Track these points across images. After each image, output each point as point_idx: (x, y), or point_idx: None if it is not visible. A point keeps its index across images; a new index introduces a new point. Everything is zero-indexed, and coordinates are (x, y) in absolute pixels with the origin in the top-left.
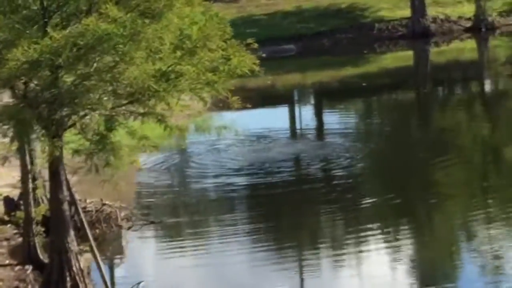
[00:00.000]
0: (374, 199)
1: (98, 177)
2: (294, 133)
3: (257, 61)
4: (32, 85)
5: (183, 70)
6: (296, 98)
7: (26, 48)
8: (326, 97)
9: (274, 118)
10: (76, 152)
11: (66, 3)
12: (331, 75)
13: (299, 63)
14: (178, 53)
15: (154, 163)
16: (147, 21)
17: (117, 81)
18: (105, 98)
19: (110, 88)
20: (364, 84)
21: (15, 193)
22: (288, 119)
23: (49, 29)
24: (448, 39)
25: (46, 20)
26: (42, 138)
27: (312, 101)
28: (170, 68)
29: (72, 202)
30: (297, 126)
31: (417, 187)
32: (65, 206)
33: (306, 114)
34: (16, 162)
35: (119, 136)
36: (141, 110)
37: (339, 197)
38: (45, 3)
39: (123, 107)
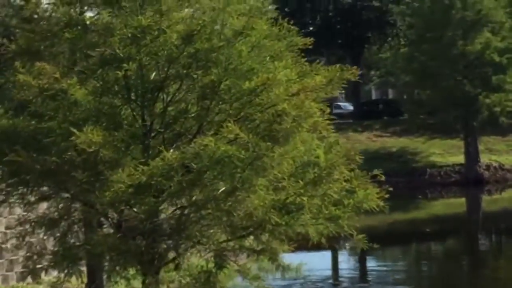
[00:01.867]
0: None
1: None
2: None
3: (385, 195)
4: (127, 212)
5: (304, 202)
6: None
7: (133, 170)
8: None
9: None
10: None
11: (176, 122)
12: (380, 219)
13: None
14: (301, 183)
15: None
16: (270, 144)
17: (235, 211)
18: (218, 231)
19: (225, 219)
20: (427, 230)
21: None
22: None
23: (162, 148)
24: (501, 188)
25: (150, 139)
26: (136, 276)
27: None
28: (291, 199)
29: None
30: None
31: None
32: None
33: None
34: None
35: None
36: (256, 247)
37: None
38: (148, 121)
39: (235, 242)
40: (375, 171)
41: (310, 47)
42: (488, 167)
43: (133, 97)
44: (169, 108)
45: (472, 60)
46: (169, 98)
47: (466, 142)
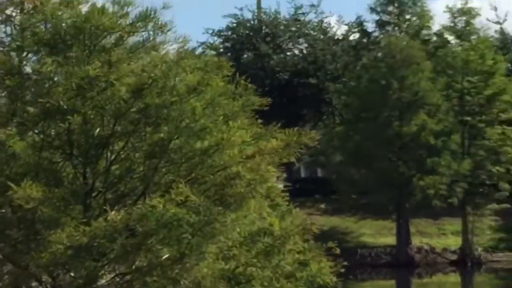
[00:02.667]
0: None
1: None
2: None
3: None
4: (63, 277)
5: (254, 274)
6: None
7: (73, 230)
8: None
9: None
10: None
11: (120, 182)
12: None
13: None
14: (253, 252)
15: None
16: (221, 209)
17: (182, 279)
18: None
19: (170, 287)
20: None
21: None
22: None
23: (107, 208)
24: (432, 271)
25: (92, 198)
26: None
27: None
28: (241, 269)
29: None
30: None
31: None
32: None
33: None
34: None
35: None
36: None
37: None
38: (90, 179)
39: None
40: (330, 244)
41: (266, 108)
42: (419, 249)
43: (75, 153)
44: (113, 167)
45: (407, 141)
46: (113, 156)
47: (398, 224)
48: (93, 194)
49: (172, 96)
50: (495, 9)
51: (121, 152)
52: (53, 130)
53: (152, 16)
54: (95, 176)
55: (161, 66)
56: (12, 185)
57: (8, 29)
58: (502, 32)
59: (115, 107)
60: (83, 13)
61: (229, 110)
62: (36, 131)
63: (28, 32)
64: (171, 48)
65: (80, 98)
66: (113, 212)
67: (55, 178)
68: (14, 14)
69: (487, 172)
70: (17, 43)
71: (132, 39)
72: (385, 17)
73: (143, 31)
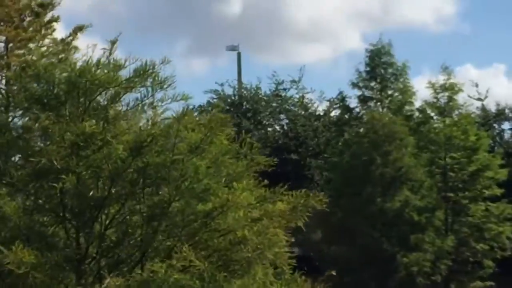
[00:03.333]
0: None
1: None
2: None
3: None
4: None
5: None
6: None
7: None
8: None
9: None
10: None
11: (116, 247)
12: None
13: None
14: None
15: None
16: (227, 275)
17: None
18: None
19: None
20: None
21: None
22: None
23: (105, 273)
24: None
25: (86, 264)
26: None
27: None
28: None
29: None
30: None
31: None
32: None
33: None
34: None
35: None
36: None
37: None
38: (83, 244)
39: None
40: None
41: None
42: None
43: (68, 216)
44: (109, 231)
45: (391, 217)
46: (109, 220)
47: None
48: (87, 261)
49: (173, 155)
50: (476, 85)
51: (117, 215)
52: (44, 192)
53: (150, 71)
54: (90, 241)
55: (160, 124)
56: (1, 248)
57: None
58: (483, 108)
59: (112, 166)
60: (78, 67)
61: (234, 170)
62: (27, 192)
63: (16, 88)
64: (170, 106)
65: (74, 157)
66: (109, 279)
67: (47, 242)
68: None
69: (471, 249)
70: (4, 101)
71: (129, 96)
72: (368, 93)
73: (141, 87)
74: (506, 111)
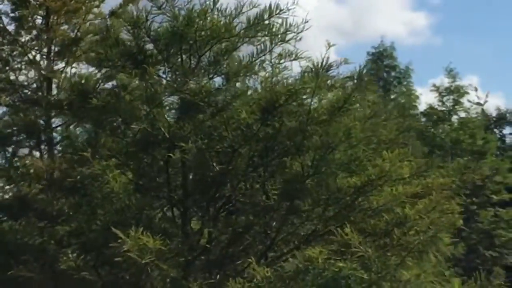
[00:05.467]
0: None
1: None
2: None
3: None
4: None
5: None
6: None
7: None
8: None
9: None
10: None
11: (247, 232)
12: None
13: None
14: None
15: None
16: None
17: None
18: None
19: None
20: None
21: None
22: None
23: (252, 261)
24: None
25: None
26: None
27: None
28: None
29: None
30: None
31: None
32: None
33: None
34: None
35: None
36: None
37: None
38: (204, 229)
39: None
40: None
41: None
42: None
43: (177, 197)
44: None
45: None
46: (234, 199)
47: None
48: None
49: (318, 115)
50: (476, 89)
51: (239, 195)
52: (151, 167)
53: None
54: (211, 226)
55: (294, 81)
56: (119, 232)
57: None
58: (483, 113)
59: (234, 134)
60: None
61: (385, 135)
62: (132, 166)
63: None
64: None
65: (189, 121)
66: (260, 268)
67: (163, 228)
68: None
69: (481, 256)
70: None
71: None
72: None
73: (262, 36)
74: (507, 115)
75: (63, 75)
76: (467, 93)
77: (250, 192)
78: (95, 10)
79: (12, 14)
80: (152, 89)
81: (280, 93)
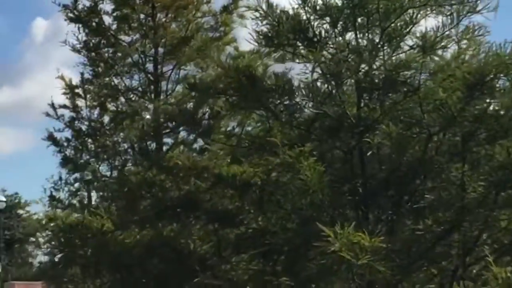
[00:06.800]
0: None
1: None
2: None
3: None
4: None
5: None
6: None
7: None
8: None
9: None
10: None
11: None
12: None
13: None
14: None
15: None
16: None
17: None
18: None
19: None
20: None
21: None
22: None
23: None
24: None
25: None
26: None
27: None
28: None
29: None
30: None
31: None
32: None
33: None
34: None
35: None
36: None
37: None
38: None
39: None
40: None
41: None
42: None
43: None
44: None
45: None
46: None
47: None
48: None
49: None
50: None
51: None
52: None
53: None
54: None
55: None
56: (326, 229)
57: None
58: None
59: (437, 115)
60: None
61: None
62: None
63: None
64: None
65: (378, 106)
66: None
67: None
68: None
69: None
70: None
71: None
72: None
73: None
74: None
75: None
76: None
77: (445, 186)
78: (204, 7)
79: (114, 14)
80: (332, 65)
81: (492, 66)
